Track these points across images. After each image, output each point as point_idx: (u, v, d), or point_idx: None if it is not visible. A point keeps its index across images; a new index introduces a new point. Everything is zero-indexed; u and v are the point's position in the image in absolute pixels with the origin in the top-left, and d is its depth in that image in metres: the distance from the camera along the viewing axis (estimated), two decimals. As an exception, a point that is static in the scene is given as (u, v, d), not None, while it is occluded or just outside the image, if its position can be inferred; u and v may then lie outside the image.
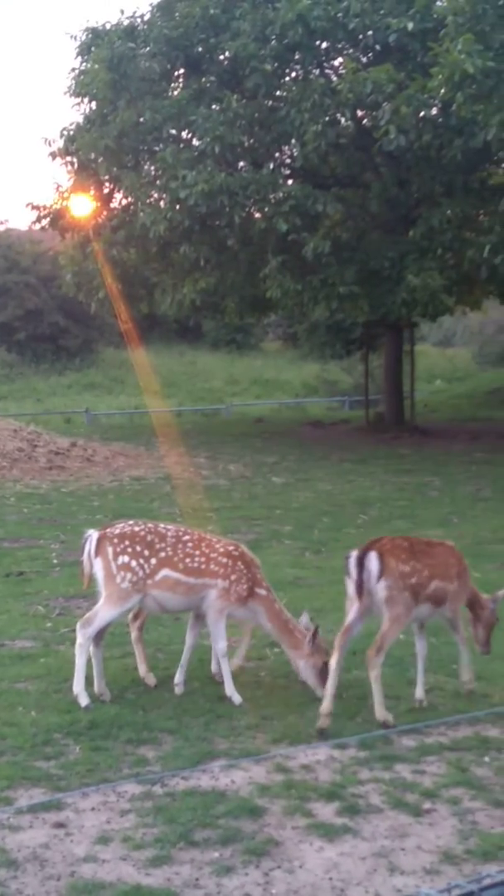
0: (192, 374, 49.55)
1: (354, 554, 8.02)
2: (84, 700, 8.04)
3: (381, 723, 7.72)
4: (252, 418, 36.99)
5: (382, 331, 32.90)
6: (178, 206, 26.24)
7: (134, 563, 8.18)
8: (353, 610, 7.89)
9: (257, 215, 27.20)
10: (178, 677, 8.45)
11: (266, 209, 26.15)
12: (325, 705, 7.65)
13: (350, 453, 26.23)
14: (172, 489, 20.40)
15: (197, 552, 8.35)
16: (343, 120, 27.63)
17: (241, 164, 28.11)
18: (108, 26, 29.69)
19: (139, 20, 29.39)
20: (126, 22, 29.34)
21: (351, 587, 7.93)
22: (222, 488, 20.57)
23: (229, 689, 8.22)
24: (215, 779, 6.82)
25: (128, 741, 7.41)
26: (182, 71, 28.98)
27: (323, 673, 8.18)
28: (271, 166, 27.98)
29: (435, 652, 9.47)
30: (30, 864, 5.74)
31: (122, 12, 30.17)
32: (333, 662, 7.78)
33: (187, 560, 8.29)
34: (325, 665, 8.17)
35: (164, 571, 8.23)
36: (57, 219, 31.74)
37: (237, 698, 8.15)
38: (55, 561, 13.80)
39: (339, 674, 7.82)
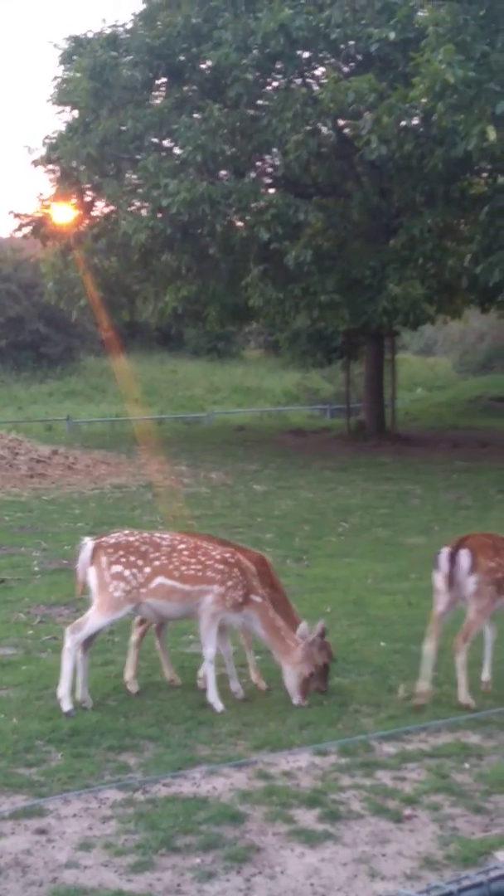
0: (174, 381, 49.57)
1: (446, 550, 8.61)
2: (67, 705, 8.06)
3: (463, 706, 8.29)
4: (233, 426, 37.00)
5: (364, 339, 32.96)
6: (159, 215, 26.27)
7: (127, 572, 8.24)
8: (441, 602, 8.61)
9: (239, 224, 27.22)
10: (234, 685, 8.58)
11: (248, 218, 26.17)
12: (423, 685, 8.40)
13: (331, 461, 26.28)
14: (154, 497, 20.41)
15: (193, 560, 8.41)
16: (325, 129, 27.69)
17: (223, 172, 28.15)
18: (90, 35, 29.72)
19: (121, 29, 29.41)
20: (108, 31, 29.37)
21: (441, 581, 8.59)
22: (203, 496, 20.59)
23: (212, 695, 8.25)
24: (197, 785, 6.84)
25: (109, 748, 7.43)
26: (164, 80, 29.01)
27: (306, 683, 8.30)
28: (253, 175, 28.00)
29: (416, 660, 9.52)
30: (12, 870, 5.75)
31: (105, 21, 30.59)
32: (429, 648, 8.53)
33: (183, 568, 8.36)
34: (311, 676, 8.32)
35: (159, 579, 8.28)
36: (39, 227, 31.70)
37: (219, 706, 8.18)
38: (36, 568, 13.79)
39: (434, 658, 8.53)
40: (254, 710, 8.23)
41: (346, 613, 11.00)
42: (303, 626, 8.53)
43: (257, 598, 8.50)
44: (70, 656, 8.15)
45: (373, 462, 26.08)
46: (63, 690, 8.11)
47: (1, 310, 49.05)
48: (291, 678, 8.37)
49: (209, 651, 8.35)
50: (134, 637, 8.89)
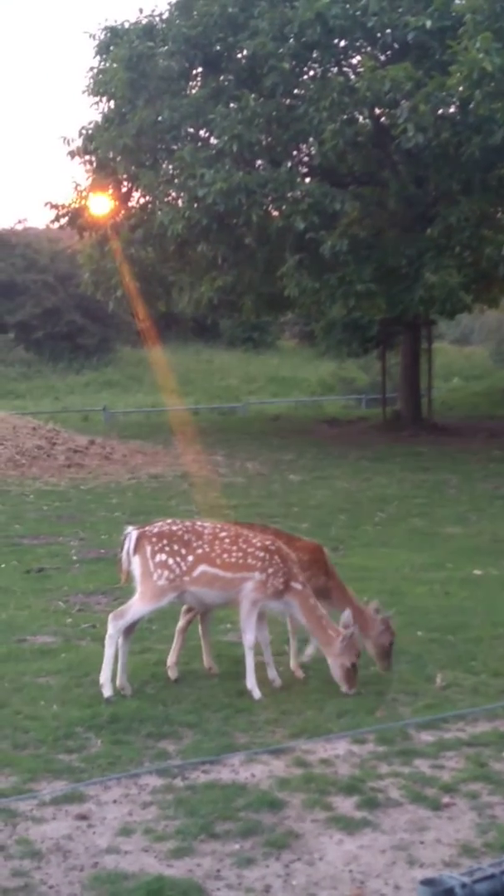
0: (209, 372, 49.59)
1: None
2: (108, 691, 8.15)
3: None
4: (269, 416, 37.00)
5: (400, 329, 32.87)
6: (195, 205, 26.24)
7: (171, 560, 8.31)
8: None
9: (275, 214, 27.16)
10: (271, 673, 8.62)
11: (284, 207, 26.11)
12: None
13: (367, 451, 26.24)
14: (190, 487, 20.46)
15: (234, 547, 8.47)
16: (361, 118, 27.61)
17: (259, 162, 28.10)
18: (126, 25, 29.70)
19: (157, 19, 29.39)
20: (144, 21, 29.36)
21: None
22: (239, 486, 20.62)
23: (251, 682, 8.30)
24: (235, 772, 6.88)
25: (149, 735, 7.48)
26: (200, 70, 28.97)
27: (349, 673, 8.32)
28: (289, 165, 27.91)
29: (453, 649, 9.55)
30: (53, 855, 5.82)
31: (141, 11, 30.23)
32: None
33: (225, 555, 8.42)
34: (353, 665, 8.30)
35: (202, 567, 8.36)
36: (75, 217, 31.76)
37: (257, 693, 8.22)
38: (74, 557, 13.88)
39: None
40: (291, 698, 8.27)
41: (382, 603, 10.99)
42: (346, 614, 8.53)
43: (298, 586, 8.53)
44: (112, 643, 8.23)
45: (409, 452, 26.03)
46: (104, 676, 8.19)
47: (38, 301, 49.23)
48: (334, 670, 8.40)
49: (248, 638, 8.41)
50: (180, 623, 8.96)
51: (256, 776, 6.82)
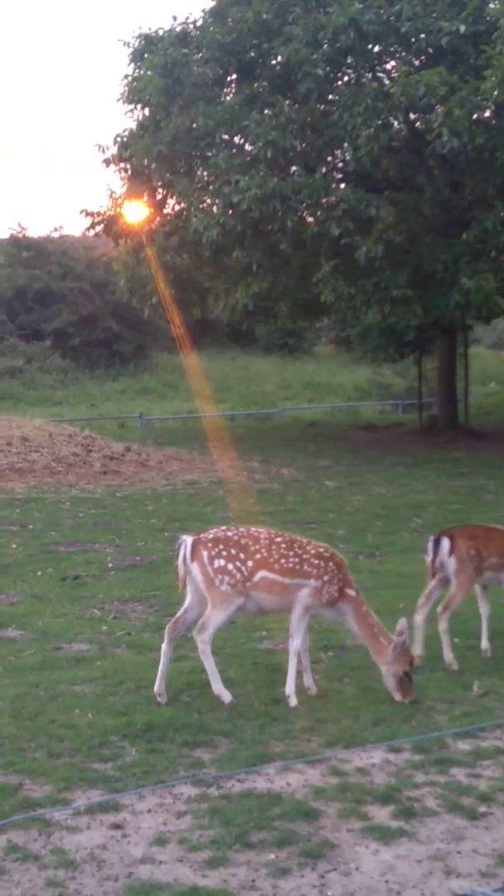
0: (245, 378, 49.61)
1: None
2: (227, 697, 8.24)
3: None
4: (305, 422, 36.96)
5: (436, 334, 32.75)
6: (230, 212, 26.25)
7: (230, 566, 8.33)
8: None
9: (310, 220, 27.13)
10: (307, 681, 8.58)
11: (318, 213, 26.08)
12: None
13: (403, 457, 26.15)
14: (225, 493, 20.44)
15: (290, 553, 8.48)
16: (395, 123, 27.57)
17: (294, 168, 28.09)
18: (160, 33, 29.76)
19: (192, 26, 29.45)
20: (179, 28, 29.43)
21: None
22: (275, 492, 20.59)
23: (290, 688, 8.29)
24: (270, 781, 6.85)
25: (183, 743, 7.47)
26: (234, 76, 29.01)
27: (402, 681, 8.30)
28: (324, 170, 27.90)
29: (490, 656, 9.49)
30: (87, 864, 5.81)
31: (175, 19, 30.29)
32: None
33: (282, 561, 8.43)
34: (406, 674, 8.28)
35: (262, 573, 8.37)
36: (111, 225, 31.84)
37: (294, 701, 8.20)
38: (110, 565, 13.89)
39: None
40: (327, 707, 8.23)
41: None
42: (401, 622, 8.47)
43: (352, 593, 8.53)
44: (207, 656, 8.30)
45: (445, 457, 25.92)
46: (217, 686, 8.29)
47: (74, 308, 49.41)
48: (387, 678, 8.36)
49: (296, 644, 8.40)
50: (418, 618, 9.37)
51: (292, 785, 6.79)
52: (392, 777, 6.92)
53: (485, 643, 9.68)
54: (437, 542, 9.55)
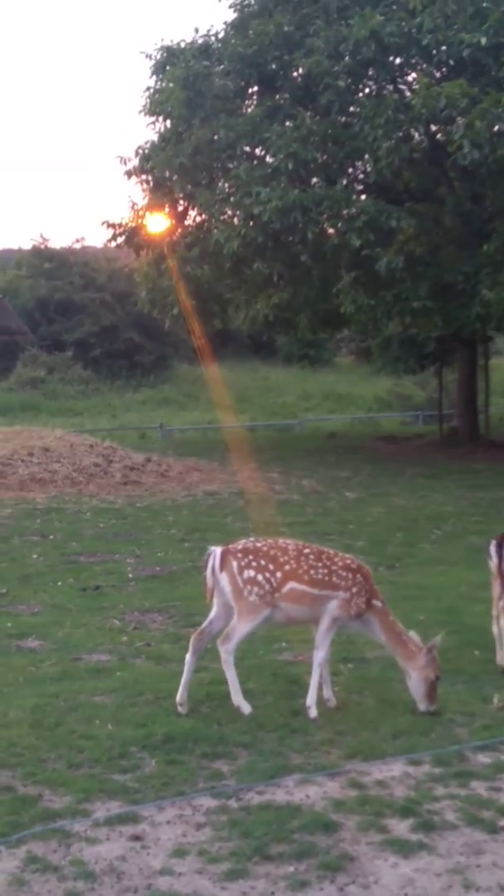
0: (265, 389, 49.63)
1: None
2: (247, 708, 8.26)
3: None
4: (325, 433, 36.92)
5: (456, 345, 32.72)
6: (251, 223, 26.27)
7: (260, 577, 8.35)
8: None
9: (330, 231, 27.13)
10: (326, 692, 8.60)
11: (339, 225, 26.07)
12: None
13: (424, 468, 26.12)
14: (246, 504, 20.45)
15: (319, 564, 8.51)
16: (416, 135, 27.53)
17: (315, 180, 28.10)
18: (182, 45, 29.85)
19: (213, 38, 29.52)
20: (200, 40, 29.49)
21: None
22: (295, 503, 20.59)
23: (311, 699, 8.31)
24: (290, 793, 6.85)
25: (203, 755, 7.48)
26: (256, 88, 29.06)
27: (433, 687, 8.32)
28: (344, 182, 27.88)
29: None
30: (107, 876, 5.82)
31: (197, 31, 30.33)
32: None
33: (311, 572, 8.46)
34: (437, 679, 8.31)
35: (291, 584, 8.39)
36: (132, 236, 31.93)
37: (313, 712, 8.21)
38: (130, 575, 13.91)
39: None
40: (347, 719, 8.22)
41: (439, 622, 10.90)
42: (437, 638, 8.50)
43: (378, 604, 8.57)
44: (230, 666, 8.32)
45: (466, 469, 25.87)
46: (237, 698, 8.31)
47: (95, 319, 49.60)
48: (418, 684, 8.36)
49: (321, 655, 8.43)
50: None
51: (311, 797, 6.79)
52: (411, 790, 6.92)
53: None
54: (500, 546, 9.81)
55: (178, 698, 8.35)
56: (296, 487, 22.90)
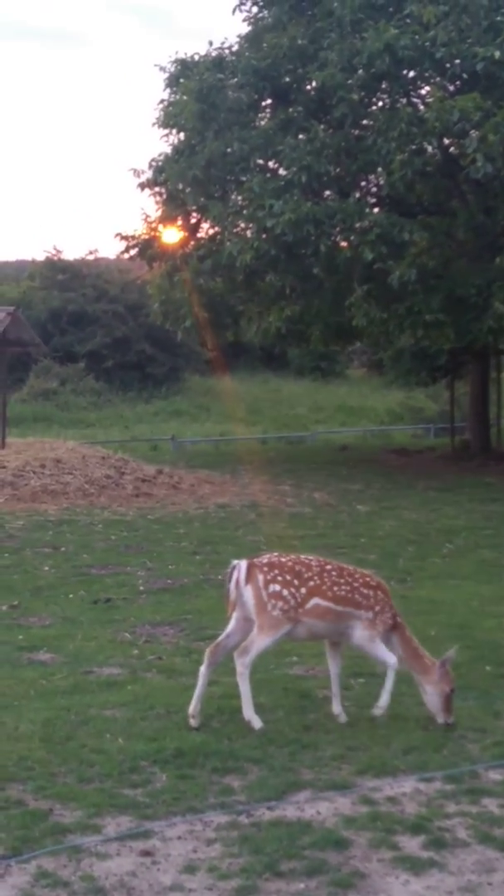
0: (277, 401, 49.63)
1: None
2: (258, 723, 8.22)
3: None
4: (337, 446, 36.92)
5: (468, 358, 32.74)
6: (264, 236, 26.32)
7: (285, 591, 8.34)
8: None
9: (343, 244, 27.18)
10: (337, 708, 8.57)
11: (352, 238, 26.13)
12: None
13: (435, 481, 26.09)
14: (257, 517, 20.44)
15: (342, 580, 8.53)
16: (429, 148, 27.58)
17: (328, 193, 28.17)
18: (196, 58, 29.96)
19: (227, 52, 29.62)
20: (214, 53, 29.59)
21: None
22: (307, 516, 20.57)
23: (384, 700, 8.48)
24: (301, 809, 6.83)
25: (213, 770, 7.45)
26: (269, 101, 29.16)
27: (448, 700, 8.33)
28: (357, 195, 27.96)
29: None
30: (117, 892, 5.79)
31: (211, 44, 30.38)
32: None
33: (335, 588, 8.48)
34: (452, 692, 8.33)
35: (315, 600, 8.40)
36: (145, 248, 32.03)
37: (381, 710, 8.44)
38: (142, 588, 13.89)
39: None
40: (358, 735, 8.19)
41: (450, 637, 10.86)
42: (451, 651, 8.51)
43: (398, 619, 8.60)
44: (245, 679, 8.27)
45: (478, 482, 25.84)
46: (249, 712, 8.27)
47: (108, 330, 49.64)
48: (433, 697, 8.37)
49: (391, 661, 8.49)
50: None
51: (322, 814, 6.76)
52: (423, 807, 6.89)
53: None
54: None
55: (190, 710, 8.33)
56: (307, 500, 22.88)
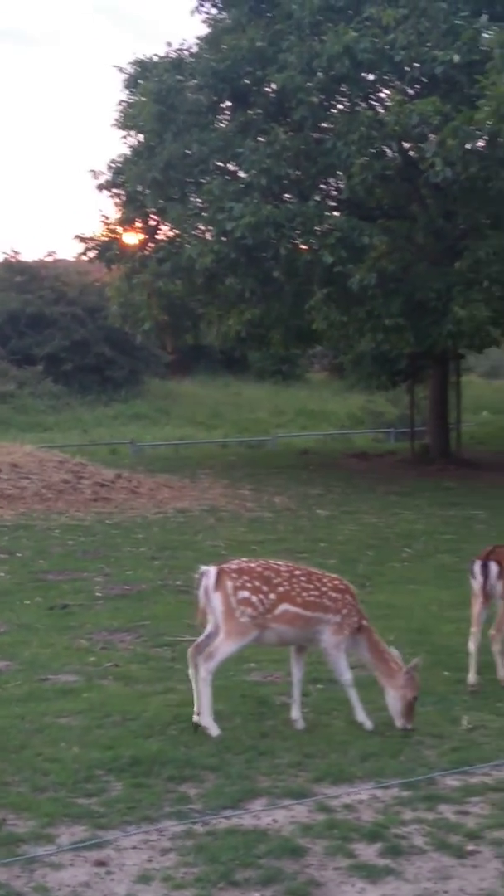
0: (238, 404, 49.53)
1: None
2: (215, 731, 8.17)
3: None
4: (297, 450, 36.89)
5: (428, 362, 32.74)
6: (224, 238, 26.24)
7: (254, 598, 8.32)
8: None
9: (303, 247, 27.15)
10: (295, 713, 8.51)
11: (312, 241, 26.11)
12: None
13: (395, 486, 26.10)
14: (217, 521, 20.38)
15: (311, 586, 8.52)
16: (389, 152, 27.61)
17: (288, 196, 28.13)
18: (155, 59, 29.84)
19: (186, 53, 29.54)
20: (173, 55, 29.49)
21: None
22: (267, 521, 20.52)
23: (361, 716, 8.40)
24: (257, 818, 6.78)
25: (169, 778, 7.38)
26: (229, 103, 29.08)
27: (410, 706, 8.34)
28: (317, 198, 27.92)
29: (482, 690, 9.42)
30: (70, 903, 5.72)
31: (170, 45, 30.27)
32: None
33: (304, 594, 8.46)
34: (415, 699, 8.34)
35: (284, 606, 8.38)
36: (104, 250, 31.87)
37: (369, 724, 8.34)
38: (99, 594, 13.80)
39: None
40: (315, 741, 8.15)
41: (409, 641, 10.83)
42: (416, 659, 8.53)
43: (364, 622, 8.58)
44: (207, 685, 8.24)
45: (437, 486, 25.87)
46: (207, 719, 8.22)
47: (66, 333, 49.32)
48: (395, 702, 8.37)
49: (346, 678, 8.50)
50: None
51: (278, 822, 6.72)
52: (379, 814, 6.85)
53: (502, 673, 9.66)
54: (485, 566, 9.72)
55: (196, 708, 8.31)
56: (267, 504, 22.83)
